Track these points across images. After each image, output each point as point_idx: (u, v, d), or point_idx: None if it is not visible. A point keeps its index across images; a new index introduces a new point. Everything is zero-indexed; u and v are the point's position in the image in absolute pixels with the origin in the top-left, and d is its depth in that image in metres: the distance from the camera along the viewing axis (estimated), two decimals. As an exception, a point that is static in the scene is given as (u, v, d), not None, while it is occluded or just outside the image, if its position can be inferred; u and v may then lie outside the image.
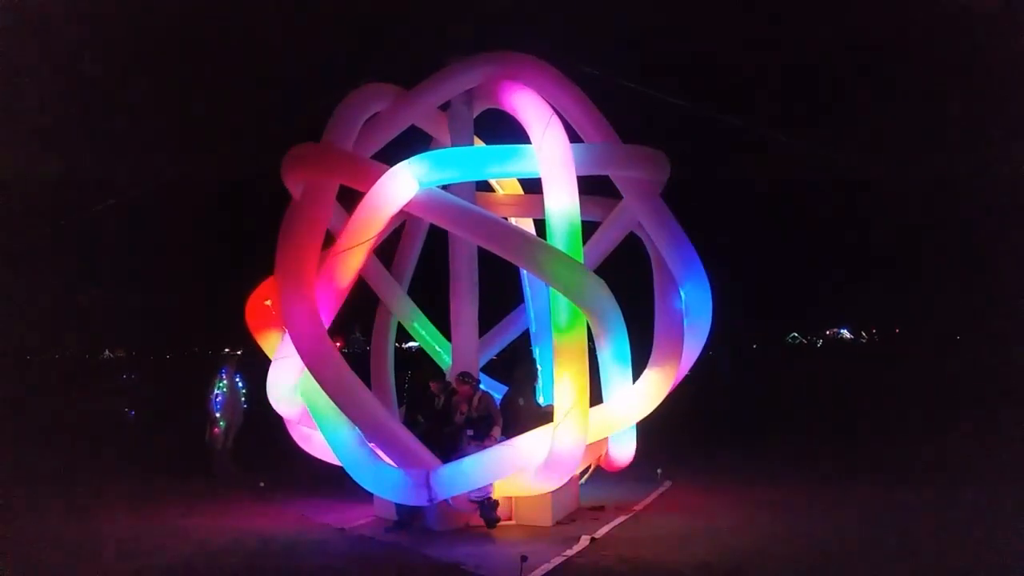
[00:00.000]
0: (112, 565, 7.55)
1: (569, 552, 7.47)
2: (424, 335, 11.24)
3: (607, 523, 8.63)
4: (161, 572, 7.31)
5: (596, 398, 8.53)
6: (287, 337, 8.42)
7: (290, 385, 8.67)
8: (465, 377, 9.18)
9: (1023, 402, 17.75)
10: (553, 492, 8.59)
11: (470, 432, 8.71)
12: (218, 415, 11.96)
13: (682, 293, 9.32)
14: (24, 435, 16.96)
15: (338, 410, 8.22)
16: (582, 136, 9.53)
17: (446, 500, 8.27)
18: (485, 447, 8.42)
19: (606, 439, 9.17)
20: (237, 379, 12.35)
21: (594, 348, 8.52)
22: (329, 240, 9.11)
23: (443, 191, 8.80)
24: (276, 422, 9.60)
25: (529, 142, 8.82)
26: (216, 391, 12.08)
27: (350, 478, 8.53)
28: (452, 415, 8.96)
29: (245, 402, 12.40)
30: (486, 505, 8.42)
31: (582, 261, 8.45)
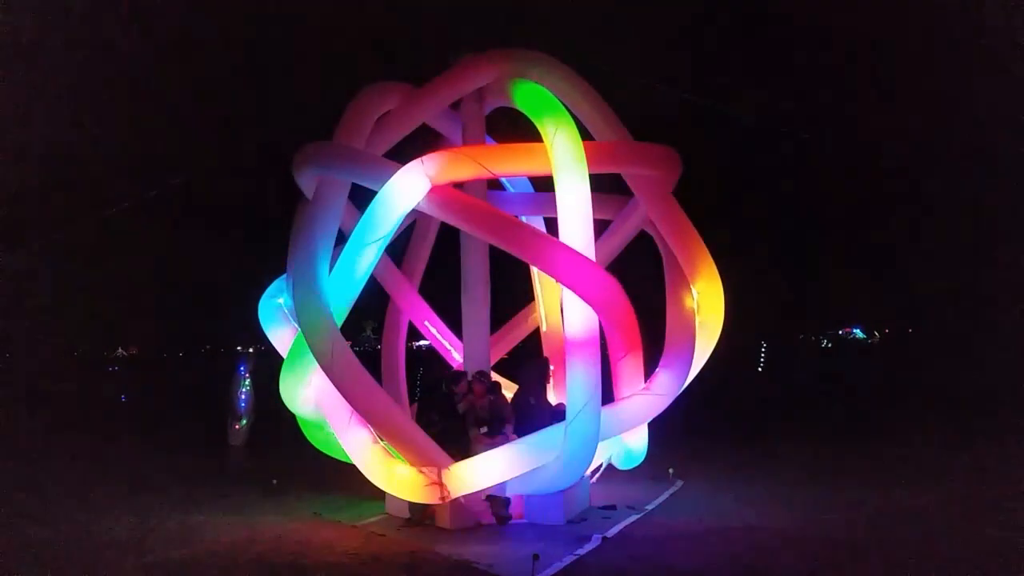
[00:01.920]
0: (122, 561, 7.59)
1: (581, 551, 7.45)
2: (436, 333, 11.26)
3: (619, 522, 8.60)
4: (171, 569, 7.34)
5: (608, 397, 8.51)
6: (299, 335, 8.46)
7: (303, 383, 8.71)
8: (481, 377, 9.21)
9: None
10: (565, 491, 8.58)
11: (483, 430, 8.72)
12: (242, 413, 12.05)
13: (694, 291, 9.29)
14: (30, 429, 17.10)
15: (351, 408, 8.25)
16: (593, 134, 9.50)
17: (459, 498, 8.28)
18: (497, 445, 8.43)
19: (618, 437, 9.15)
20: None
21: (606, 346, 8.50)
22: (341, 238, 9.14)
23: (454, 189, 8.81)
24: (289, 419, 9.64)
25: (540, 140, 8.81)
26: (242, 389, 12.14)
27: (362, 476, 8.55)
28: (468, 414, 8.96)
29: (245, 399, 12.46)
30: (498, 502, 8.42)
31: (594, 259, 8.43)
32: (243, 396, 12.13)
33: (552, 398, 9.95)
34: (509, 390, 10.68)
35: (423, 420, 9.04)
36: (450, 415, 9.00)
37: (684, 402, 9.34)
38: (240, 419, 12.03)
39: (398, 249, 11.06)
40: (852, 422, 17.80)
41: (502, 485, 8.41)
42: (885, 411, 19.61)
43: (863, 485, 10.46)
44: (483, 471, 8.23)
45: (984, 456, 12.02)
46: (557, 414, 8.82)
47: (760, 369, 39.67)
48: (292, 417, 9.40)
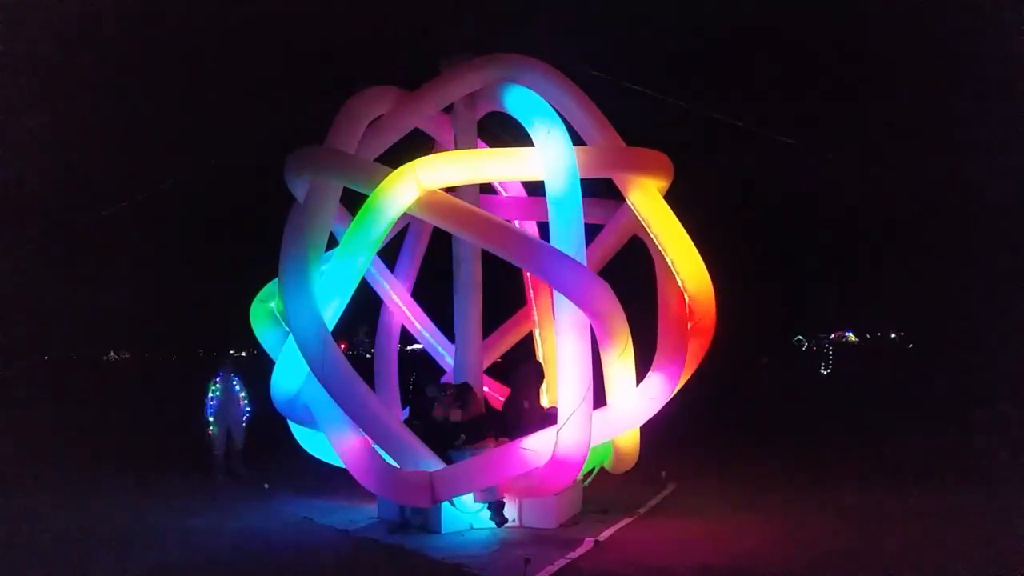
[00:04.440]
0: (112, 564, 7.56)
1: (572, 555, 7.46)
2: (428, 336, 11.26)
3: (611, 526, 8.61)
4: (163, 573, 7.32)
5: (600, 401, 8.53)
6: (291, 339, 8.45)
7: (295, 387, 8.70)
8: (444, 388, 9.21)
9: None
10: (557, 495, 8.59)
11: (462, 439, 8.70)
12: (211, 419, 11.72)
13: (685, 295, 9.31)
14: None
15: (342, 412, 8.24)
16: (585, 138, 9.53)
17: (450, 501, 8.28)
18: (479, 452, 8.43)
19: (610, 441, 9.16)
20: (234, 382, 12.12)
21: (598, 350, 8.52)
22: (333, 243, 9.14)
23: (447, 193, 8.82)
24: (280, 423, 9.62)
25: (532, 144, 8.84)
26: (210, 395, 11.85)
27: (353, 479, 8.54)
28: (444, 423, 8.94)
29: (248, 404, 12.19)
30: (494, 507, 8.42)
31: (585, 263, 8.45)
32: (212, 403, 11.78)
33: (545, 401, 9.97)
34: (501, 394, 10.70)
35: (411, 424, 9.04)
36: (431, 423, 9.00)
37: (675, 406, 9.34)
38: (209, 426, 11.72)
39: (390, 253, 11.06)
40: (858, 424, 17.83)
41: (497, 488, 8.42)
42: (894, 414, 19.63)
43: (856, 487, 10.50)
44: (474, 474, 8.22)
45: (975, 459, 12.07)
46: (549, 417, 8.83)
47: (826, 372, 39.76)
48: (283, 421, 9.39)
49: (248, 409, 12.21)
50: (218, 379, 11.95)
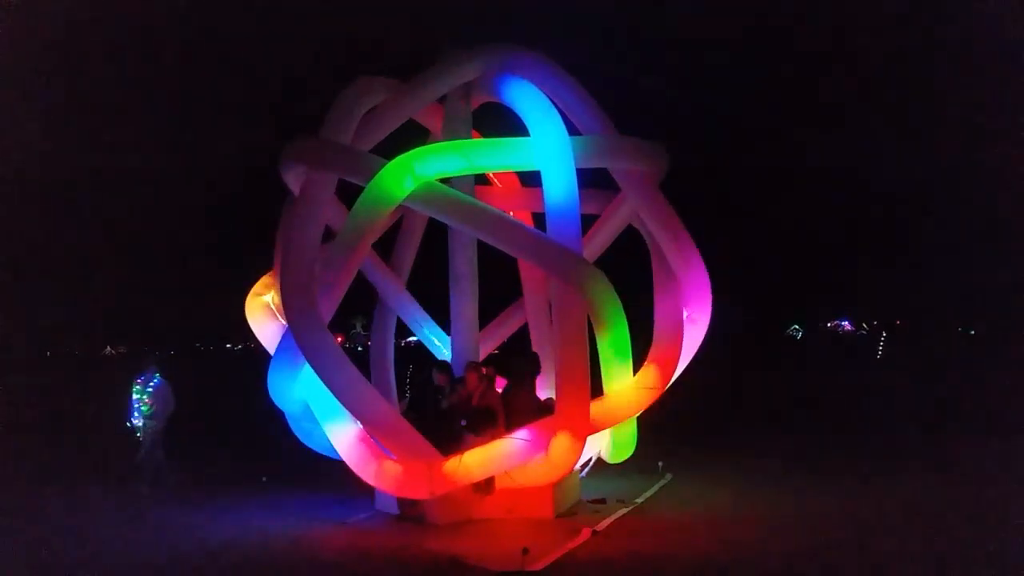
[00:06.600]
0: (111, 559, 7.55)
1: (571, 545, 7.47)
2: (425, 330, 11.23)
3: (608, 516, 8.63)
4: (161, 568, 7.32)
5: (596, 391, 8.53)
6: (287, 331, 8.42)
7: (291, 379, 8.68)
8: (472, 366, 9.19)
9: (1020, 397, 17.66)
10: (554, 485, 8.59)
11: (463, 422, 8.68)
12: (138, 423, 11.00)
13: (681, 285, 9.30)
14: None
15: (339, 404, 8.23)
16: (580, 129, 9.49)
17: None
18: (483, 441, 8.43)
19: (607, 432, 9.16)
20: (151, 386, 11.03)
21: (594, 340, 8.51)
22: (328, 235, 9.10)
23: (441, 184, 8.79)
24: (277, 416, 9.60)
25: (527, 135, 8.81)
26: (135, 398, 10.96)
27: (351, 472, 8.54)
28: (453, 410, 8.93)
29: (151, 412, 10.96)
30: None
31: (582, 253, 8.43)
32: (137, 406, 11.02)
33: (542, 393, 9.96)
34: (498, 385, 10.69)
35: (411, 416, 9.03)
36: (431, 413, 8.98)
37: (672, 396, 9.34)
38: (136, 430, 11.07)
39: (386, 244, 11.01)
40: (837, 416, 17.87)
41: None
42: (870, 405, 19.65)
43: (853, 477, 10.53)
44: (473, 466, 8.22)
45: (972, 451, 12.11)
46: (546, 408, 8.82)
47: (879, 356, 40.70)
48: (280, 414, 9.37)
49: (150, 418, 10.94)
50: (139, 380, 11.09)
